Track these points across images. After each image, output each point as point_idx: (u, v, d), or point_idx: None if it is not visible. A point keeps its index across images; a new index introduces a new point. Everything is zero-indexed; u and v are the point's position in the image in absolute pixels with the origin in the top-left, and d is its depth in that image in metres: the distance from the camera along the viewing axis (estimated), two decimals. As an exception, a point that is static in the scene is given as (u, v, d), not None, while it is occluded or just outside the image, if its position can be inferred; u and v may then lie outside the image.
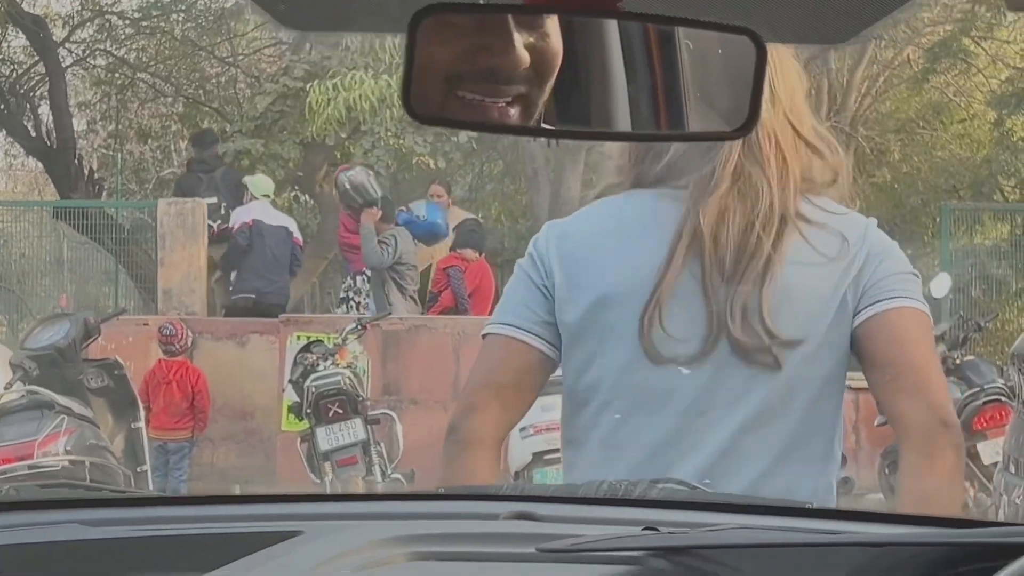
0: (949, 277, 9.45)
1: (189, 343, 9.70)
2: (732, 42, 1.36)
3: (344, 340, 8.83)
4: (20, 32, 19.19)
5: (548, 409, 7.26)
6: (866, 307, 2.16)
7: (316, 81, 13.61)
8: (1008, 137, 17.04)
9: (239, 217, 11.55)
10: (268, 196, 12.08)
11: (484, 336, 2.31)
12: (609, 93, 1.34)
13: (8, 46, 20.74)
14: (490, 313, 10.83)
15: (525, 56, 1.22)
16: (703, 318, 2.15)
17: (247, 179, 12.23)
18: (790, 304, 2.15)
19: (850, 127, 18.47)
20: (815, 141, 2.22)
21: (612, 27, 1.32)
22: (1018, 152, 16.90)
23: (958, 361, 8.42)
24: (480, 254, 11.04)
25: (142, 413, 7.74)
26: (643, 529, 1.53)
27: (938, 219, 15.23)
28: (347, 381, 8.23)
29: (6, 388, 6.89)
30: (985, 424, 7.51)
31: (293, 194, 19.36)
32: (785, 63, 2.22)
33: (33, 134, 19.43)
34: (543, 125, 1.31)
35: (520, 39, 1.22)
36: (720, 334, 2.14)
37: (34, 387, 6.76)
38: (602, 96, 1.34)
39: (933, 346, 2.28)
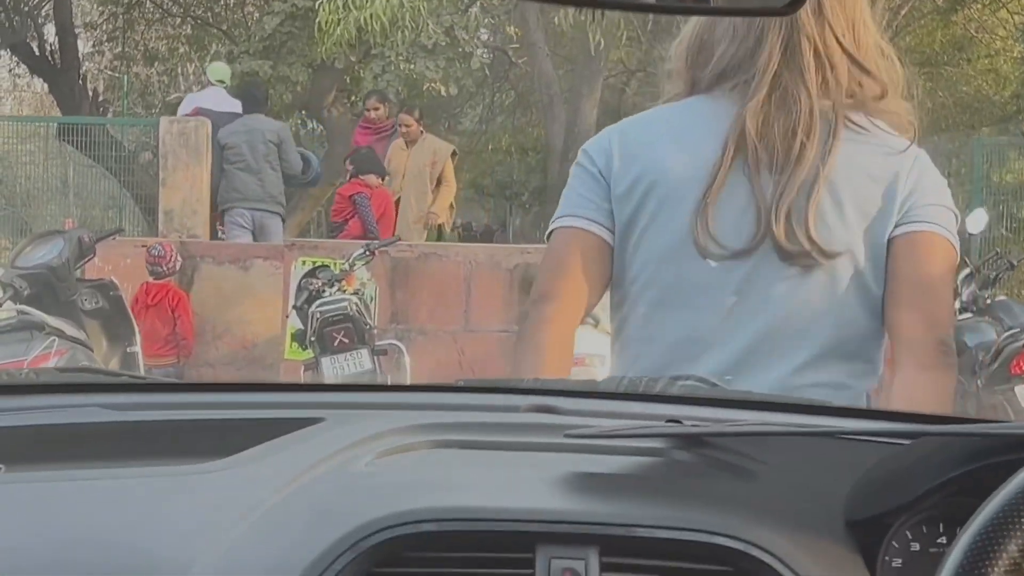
0: (985, 212, 9.05)
1: (177, 265, 9.36)
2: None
3: (351, 266, 8.49)
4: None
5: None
6: (900, 225, 2.19)
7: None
8: (1037, 73, 16.66)
9: (185, 107, 11.49)
10: (223, 81, 11.92)
11: (549, 234, 2.35)
12: None
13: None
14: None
15: None
16: (751, 217, 2.18)
17: (207, 65, 12.08)
18: (834, 216, 2.17)
19: (871, 61, 18.07)
20: (866, 56, 2.22)
21: None
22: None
23: (988, 301, 8.08)
24: (383, 179, 10.79)
25: (138, 337, 7.40)
26: (666, 422, 1.53)
27: (957, 157, 14.89)
28: (353, 308, 7.90)
29: (-5, 308, 6.55)
30: (1024, 367, 7.18)
31: (300, 119, 19.03)
32: None
33: (37, 53, 19.17)
34: None
35: None
36: (764, 235, 2.17)
37: (24, 307, 6.43)
38: None
39: (952, 278, 2.28)
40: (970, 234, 8.78)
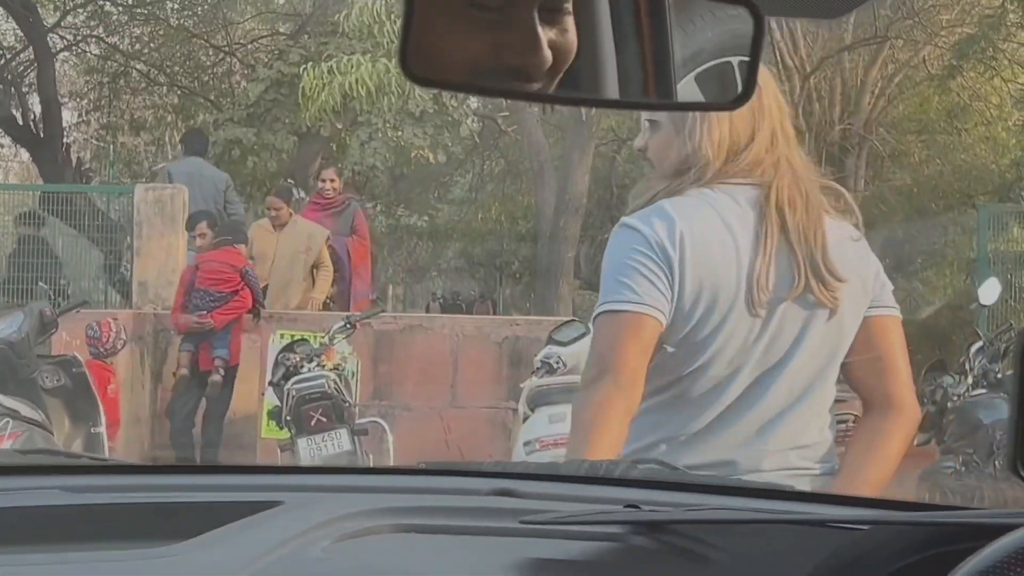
0: (998, 283, 8.66)
1: (118, 345, 8.61)
2: (729, 13, 1.42)
3: (331, 339, 8.12)
4: (9, 16, 18.72)
5: (556, 421, 6.65)
6: (874, 306, 2.69)
7: (310, 64, 12.92)
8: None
9: None
10: None
11: (601, 315, 2.61)
12: (604, 62, 1.35)
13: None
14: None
15: (548, 57, 1.24)
16: (792, 272, 2.62)
17: None
18: (840, 270, 2.64)
19: (864, 129, 17.96)
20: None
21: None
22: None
23: (999, 375, 7.72)
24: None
25: (103, 416, 6.95)
26: (624, 507, 1.57)
27: (955, 225, 14.67)
28: (332, 385, 7.51)
29: (-52, 386, 6.14)
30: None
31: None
32: (772, 86, 2.74)
33: (21, 122, 19.01)
34: (539, 90, 1.31)
35: (544, 36, 1.23)
36: (801, 288, 2.61)
37: (-25, 388, 6.04)
38: (596, 64, 1.34)
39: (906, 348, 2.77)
40: (983, 306, 8.44)
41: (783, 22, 15.01)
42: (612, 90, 1.37)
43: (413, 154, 15.30)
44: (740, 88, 1.44)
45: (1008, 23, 16.49)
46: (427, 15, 1.21)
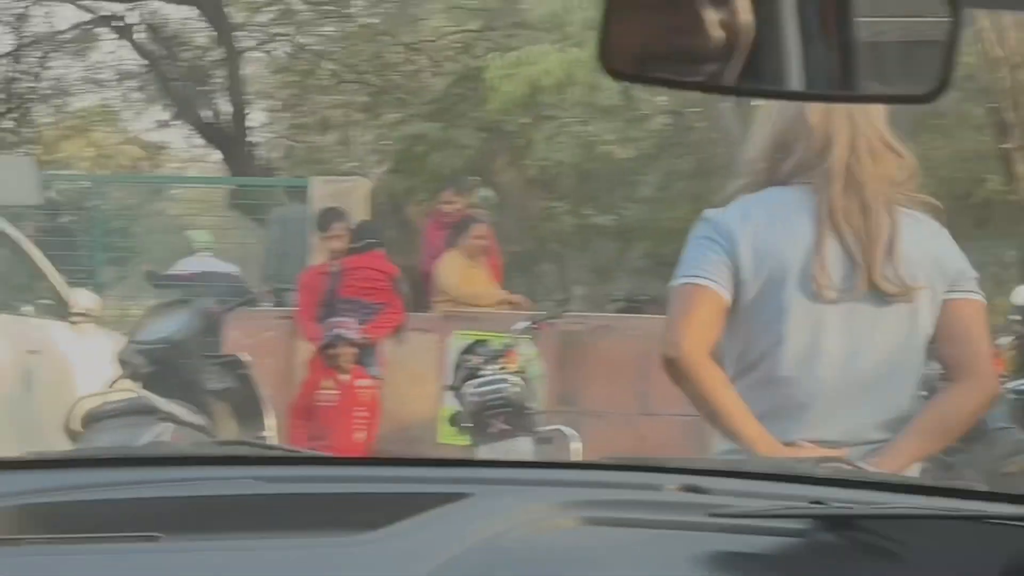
0: None
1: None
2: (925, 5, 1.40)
3: (514, 340, 7.69)
4: (201, 15, 18.96)
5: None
6: (952, 291, 2.98)
7: (497, 53, 12.53)
8: None
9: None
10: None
11: (672, 288, 2.96)
12: (798, 54, 1.34)
13: (186, 29, 20.59)
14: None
15: (721, 36, 1.27)
16: (850, 273, 2.93)
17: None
18: (907, 264, 2.93)
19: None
20: (897, 147, 3.00)
21: None
22: None
23: None
24: None
25: (268, 420, 6.55)
26: (810, 503, 1.58)
27: None
28: (514, 390, 7.06)
29: (110, 386, 5.84)
30: None
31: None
32: None
33: (211, 121, 19.29)
34: (731, 84, 1.33)
35: (715, 18, 1.26)
36: (865, 279, 2.92)
37: (135, 389, 5.73)
38: (780, 56, 1.34)
39: (985, 327, 3.06)
40: None
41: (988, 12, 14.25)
42: (797, 82, 1.36)
43: (601, 150, 14.86)
44: (937, 81, 1.39)
45: None
46: (625, 11, 1.25)
